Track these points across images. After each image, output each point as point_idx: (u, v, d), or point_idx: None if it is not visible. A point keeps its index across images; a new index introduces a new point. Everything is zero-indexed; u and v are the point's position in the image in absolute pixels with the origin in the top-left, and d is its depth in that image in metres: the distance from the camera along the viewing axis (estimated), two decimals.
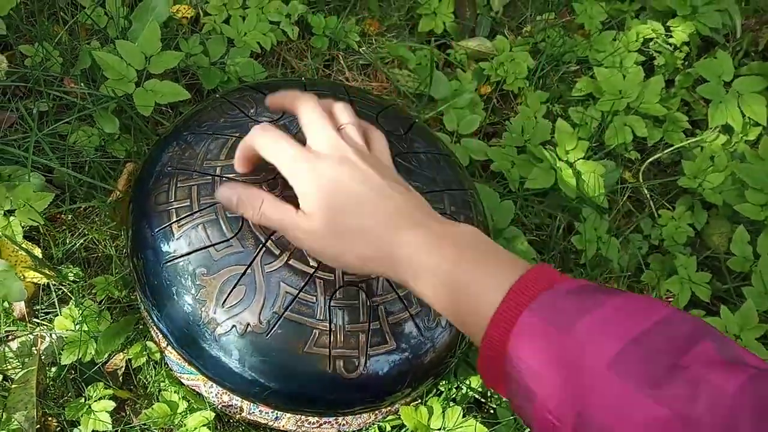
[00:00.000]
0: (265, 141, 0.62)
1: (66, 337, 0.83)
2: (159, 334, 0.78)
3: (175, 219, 0.73)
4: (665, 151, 1.16)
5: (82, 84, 0.99)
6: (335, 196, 0.58)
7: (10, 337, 0.85)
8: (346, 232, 0.58)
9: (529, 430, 0.50)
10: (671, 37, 1.27)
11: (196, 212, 0.73)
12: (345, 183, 0.58)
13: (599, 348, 0.43)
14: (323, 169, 0.59)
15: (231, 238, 0.71)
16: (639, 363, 0.42)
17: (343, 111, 0.65)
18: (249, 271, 0.70)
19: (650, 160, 1.15)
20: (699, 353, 0.42)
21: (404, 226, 0.57)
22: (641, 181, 1.14)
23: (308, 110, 0.63)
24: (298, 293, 0.70)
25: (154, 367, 0.86)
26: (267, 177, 0.75)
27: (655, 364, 0.42)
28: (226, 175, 0.74)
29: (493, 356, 0.49)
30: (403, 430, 0.86)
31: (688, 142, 1.16)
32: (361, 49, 1.20)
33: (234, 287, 0.69)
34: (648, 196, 1.13)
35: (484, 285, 0.51)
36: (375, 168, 0.60)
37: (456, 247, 0.55)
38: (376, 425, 0.86)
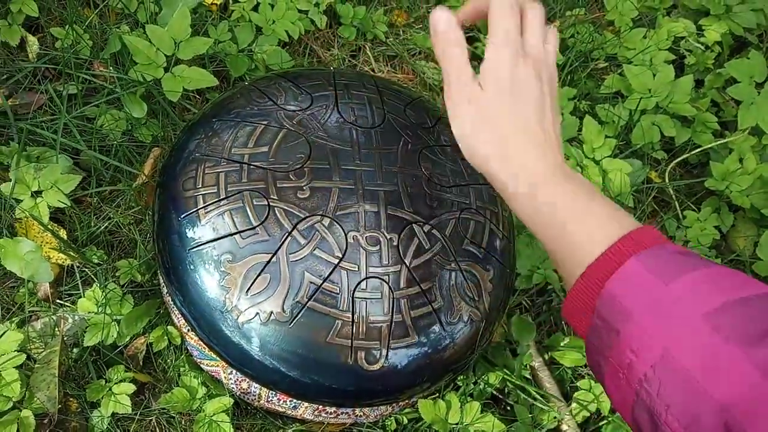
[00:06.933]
0: (501, 4, 0.60)
1: (89, 319, 0.83)
2: (181, 319, 0.78)
3: (202, 205, 0.73)
4: (693, 152, 1.14)
5: (111, 68, 0.99)
6: (512, 88, 0.58)
7: (33, 318, 0.86)
8: (504, 121, 0.58)
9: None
10: (703, 36, 1.26)
11: (222, 199, 0.73)
12: (528, 82, 0.58)
13: (699, 299, 0.45)
14: (521, 61, 0.59)
15: (257, 226, 0.71)
16: (735, 320, 0.43)
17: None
18: (274, 259, 0.70)
19: (677, 160, 1.14)
20: None
21: (553, 151, 0.58)
22: (667, 181, 1.13)
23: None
24: (322, 283, 0.70)
25: (175, 352, 0.87)
26: (294, 166, 0.75)
27: (752, 325, 0.43)
28: (254, 163, 0.74)
29: (586, 291, 0.51)
30: (420, 423, 0.86)
31: (717, 143, 1.15)
32: (388, 40, 1.20)
33: (258, 275, 0.70)
34: (674, 196, 1.12)
35: (599, 226, 0.53)
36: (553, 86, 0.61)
37: (583, 185, 0.56)
38: (392, 417, 0.86)
